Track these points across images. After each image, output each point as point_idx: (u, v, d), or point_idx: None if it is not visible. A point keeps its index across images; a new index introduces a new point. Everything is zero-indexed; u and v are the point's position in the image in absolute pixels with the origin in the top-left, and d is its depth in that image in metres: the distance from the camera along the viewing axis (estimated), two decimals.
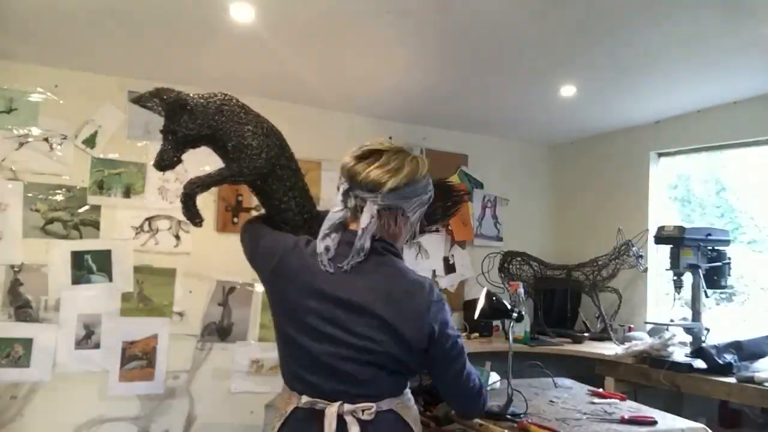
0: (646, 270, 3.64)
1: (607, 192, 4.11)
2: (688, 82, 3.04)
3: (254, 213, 3.29)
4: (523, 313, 2.29)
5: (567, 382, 2.48)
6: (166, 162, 1.46)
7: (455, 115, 3.81)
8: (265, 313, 3.38)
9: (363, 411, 1.27)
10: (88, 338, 3.02)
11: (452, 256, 4.10)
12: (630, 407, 2.09)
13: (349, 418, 1.26)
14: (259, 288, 3.39)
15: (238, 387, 3.31)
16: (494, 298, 1.92)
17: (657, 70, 2.85)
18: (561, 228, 4.50)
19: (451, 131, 4.12)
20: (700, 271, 2.98)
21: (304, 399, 1.31)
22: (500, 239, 4.28)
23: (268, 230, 1.49)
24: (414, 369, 1.38)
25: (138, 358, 3.12)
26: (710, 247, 3.01)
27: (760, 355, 2.72)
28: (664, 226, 3.08)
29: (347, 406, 1.27)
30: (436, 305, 1.31)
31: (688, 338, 3.05)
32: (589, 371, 3.20)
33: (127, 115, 3.13)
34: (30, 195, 2.95)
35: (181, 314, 3.23)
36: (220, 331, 3.32)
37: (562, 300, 3.98)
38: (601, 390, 2.42)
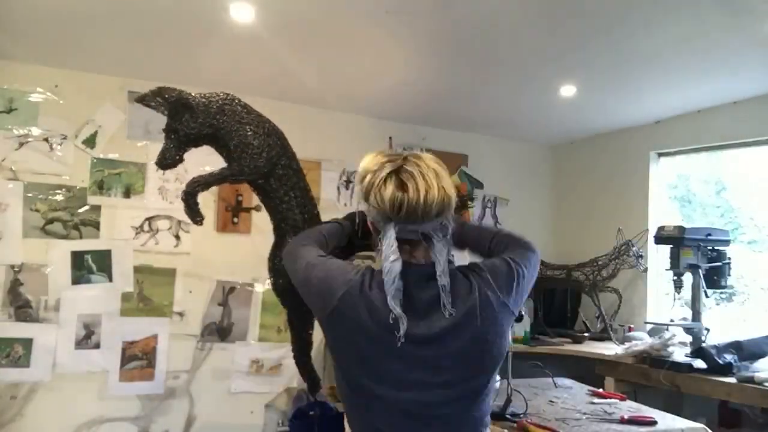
0: (646, 270, 3.64)
1: (607, 192, 4.11)
2: (688, 81, 3.04)
3: (254, 213, 3.32)
4: (523, 313, 2.29)
5: (567, 382, 2.49)
6: (168, 161, 1.47)
7: (455, 115, 3.81)
8: (265, 313, 3.38)
9: None
10: (88, 338, 3.02)
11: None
12: (630, 407, 2.09)
13: None
14: (259, 288, 3.39)
15: (237, 387, 3.31)
16: None
17: (657, 69, 2.85)
18: (561, 228, 4.50)
19: (451, 131, 4.12)
20: (700, 271, 2.97)
21: None
22: None
23: (320, 258, 1.22)
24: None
25: (138, 358, 3.12)
26: (710, 247, 3.01)
27: (760, 355, 2.72)
28: (664, 226, 3.08)
29: None
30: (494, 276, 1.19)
31: (688, 338, 3.05)
32: (589, 371, 3.20)
33: (127, 115, 3.14)
34: (30, 195, 2.95)
35: (181, 314, 3.23)
36: (220, 331, 3.32)
37: (562, 300, 3.98)
38: (601, 390, 2.42)
